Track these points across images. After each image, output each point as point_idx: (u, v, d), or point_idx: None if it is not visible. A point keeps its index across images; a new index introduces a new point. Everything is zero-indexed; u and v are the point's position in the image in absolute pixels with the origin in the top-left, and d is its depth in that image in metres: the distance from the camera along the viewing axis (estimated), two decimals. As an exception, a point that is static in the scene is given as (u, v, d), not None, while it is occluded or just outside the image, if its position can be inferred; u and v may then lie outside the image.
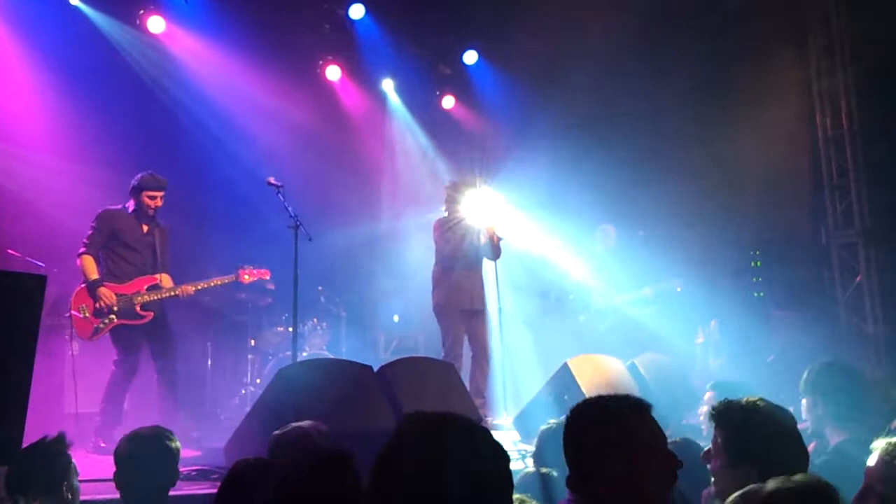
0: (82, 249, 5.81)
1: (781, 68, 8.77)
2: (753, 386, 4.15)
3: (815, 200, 8.90)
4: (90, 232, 5.85)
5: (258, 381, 7.42)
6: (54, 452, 3.05)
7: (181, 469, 3.34)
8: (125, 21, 7.77)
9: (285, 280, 6.44)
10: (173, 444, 3.14)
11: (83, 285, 5.76)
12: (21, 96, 6.99)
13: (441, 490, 1.55)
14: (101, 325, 5.72)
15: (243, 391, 7.45)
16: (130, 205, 6.00)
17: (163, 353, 5.92)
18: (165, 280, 6.07)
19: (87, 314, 5.70)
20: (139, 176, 5.97)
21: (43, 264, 6.12)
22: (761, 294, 8.52)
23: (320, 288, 8.19)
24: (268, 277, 6.34)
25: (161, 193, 5.98)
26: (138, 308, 5.80)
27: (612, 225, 8.23)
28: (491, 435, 1.70)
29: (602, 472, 2.02)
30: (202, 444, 5.51)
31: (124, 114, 7.43)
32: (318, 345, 7.80)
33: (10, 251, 6.19)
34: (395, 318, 9.05)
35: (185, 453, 4.51)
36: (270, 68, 8.25)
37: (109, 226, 5.88)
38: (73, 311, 5.70)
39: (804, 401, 3.72)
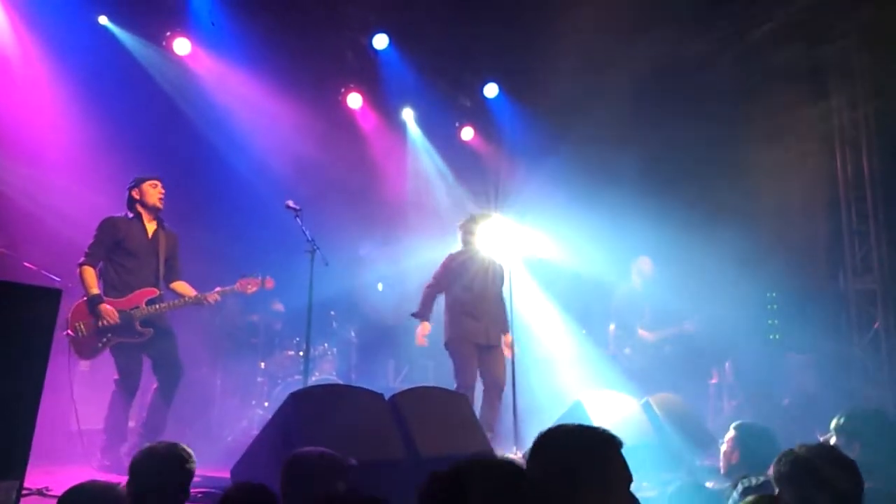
0: (83, 259, 5.61)
1: (801, 110, 8.76)
2: (775, 430, 4.08)
3: (834, 244, 8.83)
4: (92, 241, 5.66)
5: (266, 404, 7.36)
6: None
7: (187, 491, 3.30)
8: (152, 42, 7.87)
9: (299, 304, 6.43)
10: (187, 463, 3.11)
11: (82, 301, 5.54)
12: (46, 115, 7.05)
13: None
14: (101, 344, 5.51)
15: (252, 414, 7.39)
16: (130, 213, 5.83)
17: (164, 365, 5.69)
18: (182, 287, 5.93)
19: (83, 333, 5.45)
20: (133, 178, 5.85)
21: (59, 279, 6.10)
22: (777, 336, 8.42)
23: (333, 313, 8.16)
24: (271, 286, 6.10)
25: (160, 183, 5.84)
26: (138, 325, 5.57)
27: (647, 257, 8.20)
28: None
29: (566, 496, 2.01)
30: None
31: (146, 133, 7.47)
32: (327, 370, 7.74)
33: (26, 264, 6.18)
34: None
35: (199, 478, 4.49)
36: (293, 94, 8.33)
37: (112, 234, 5.68)
38: (68, 331, 5.42)
39: (833, 440, 3.65)
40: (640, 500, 2.21)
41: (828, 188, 8.93)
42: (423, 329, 6.62)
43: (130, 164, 7.03)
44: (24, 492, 3.60)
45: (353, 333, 8.43)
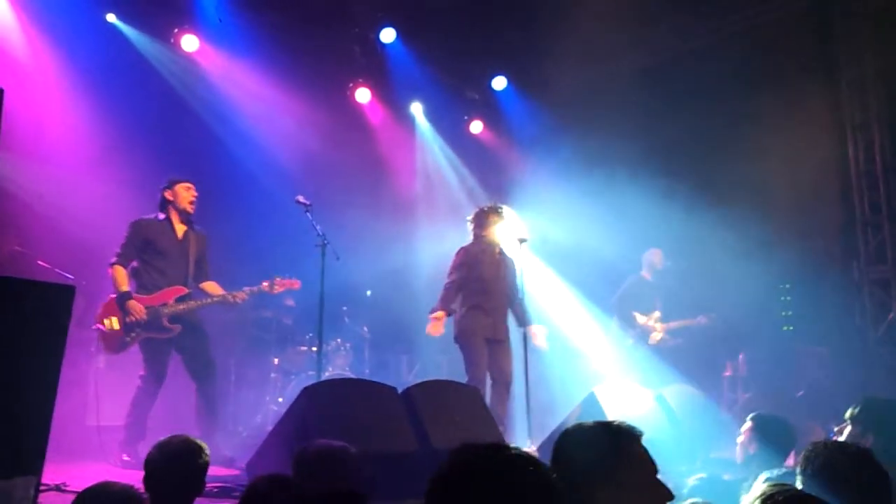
0: (113, 259, 5.76)
1: (813, 101, 8.68)
2: (790, 421, 4.06)
3: (848, 235, 8.75)
4: (122, 241, 5.81)
5: (280, 399, 7.38)
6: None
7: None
8: (160, 39, 7.89)
9: (310, 299, 6.44)
10: (201, 456, 3.13)
11: (112, 297, 5.69)
12: (56, 114, 7.09)
13: None
14: (129, 339, 5.65)
15: (266, 410, 7.40)
16: (161, 214, 5.96)
17: (194, 362, 5.85)
18: (211, 287, 6.05)
19: (114, 327, 5.61)
20: (167, 179, 5.99)
21: (72, 277, 6.14)
22: (791, 328, 8.36)
23: (344, 308, 8.15)
24: (297, 287, 6.21)
25: (194, 186, 5.98)
26: (165, 321, 5.71)
27: (658, 249, 8.17)
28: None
29: (592, 495, 1.99)
30: (236, 464, 5.46)
31: (155, 131, 7.51)
32: (340, 365, 7.74)
33: (40, 262, 6.23)
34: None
35: (219, 472, 4.52)
36: (301, 89, 8.33)
37: (142, 234, 5.83)
38: (98, 325, 5.63)
39: (848, 429, 3.63)
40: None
41: (839, 177, 8.85)
42: (441, 314, 6.44)
43: (140, 161, 7.11)
44: (42, 488, 3.62)
45: (365, 329, 8.43)
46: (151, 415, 5.80)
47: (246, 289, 6.02)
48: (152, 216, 5.96)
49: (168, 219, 5.95)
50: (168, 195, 5.96)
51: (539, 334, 6.52)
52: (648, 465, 2.11)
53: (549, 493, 1.64)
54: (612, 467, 2.03)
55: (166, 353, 5.80)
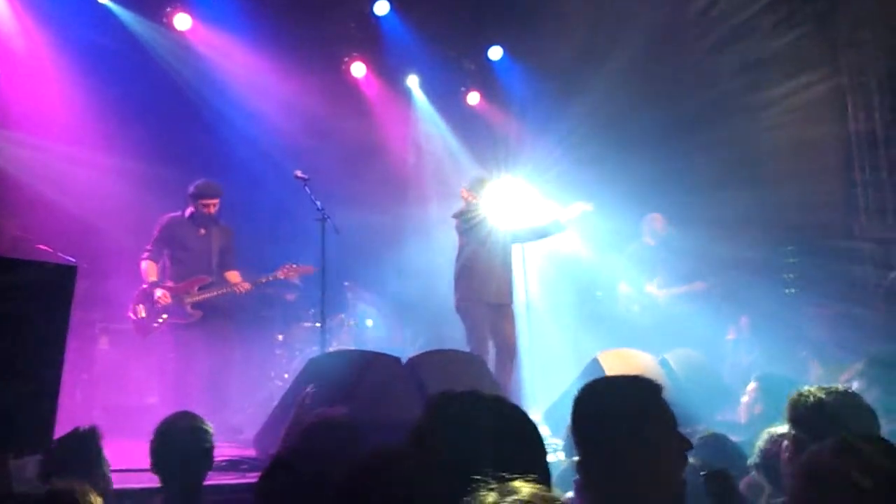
0: (144, 255, 6.31)
1: (812, 64, 8.64)
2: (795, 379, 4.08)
3: (849, 196, 8.75)
4: (153, 238, 6.34)
5: (286, 375, 7.40)
6: (88, 442, 3.12)
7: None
8: (152, 18, 7.82)
9: (312, 275, 6.47)
10: (206, 434, 3.14)
11: (142, 288, 6.21)
12: (49, 96, 7.04)
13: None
14: (155, 325, 6.14)
15: (271, 386, 7.43)
16: (188, 210, 6.36)
17: (213, 346, 6.19)
18: (233, 276, 6.45)
19: (142, 314, 6.13)
20: (196, 184, 6.36)
21: (73, 259, 6.14)
22: (793, 290, 8.38)
23: (347, 283, 8.16)
24: (311, 272, 6.42)
25: (215, 200, 6.38)
26: (188, 307, 6.17)
27: (659, 214, 8.13)
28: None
29: (614, 450, 2.00)
30: (242, 435, 5.56)
31: (149, 110, 7.48)
32: (344, 340, 7.75)
33: (40, 246, 6.25)
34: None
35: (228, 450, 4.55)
36: (296, 65, 8.26)
37: (168, 231, 6.35)
38: (129, 314, 6.18)
39: (855, 384, 3.65)
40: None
41: (840, 138, 8.84)
42: None
43: (136, 142, 7.16)
44: (51, 467, 3.63)
45: (368, 304, 8.43)
46: (153, 393, 5.96)
47: (261, 278, 6.47)
48: (178, 213, 6.43)
49: (192, 217, 6.40)
50: (192, 205, 6.38)
51: (573, 208, 6.53)
52: (671, 418, 2.11)
53: (527, 436, 1.66)
54: (638, 421, 2.03)
55: (192, 337, 6.21)
